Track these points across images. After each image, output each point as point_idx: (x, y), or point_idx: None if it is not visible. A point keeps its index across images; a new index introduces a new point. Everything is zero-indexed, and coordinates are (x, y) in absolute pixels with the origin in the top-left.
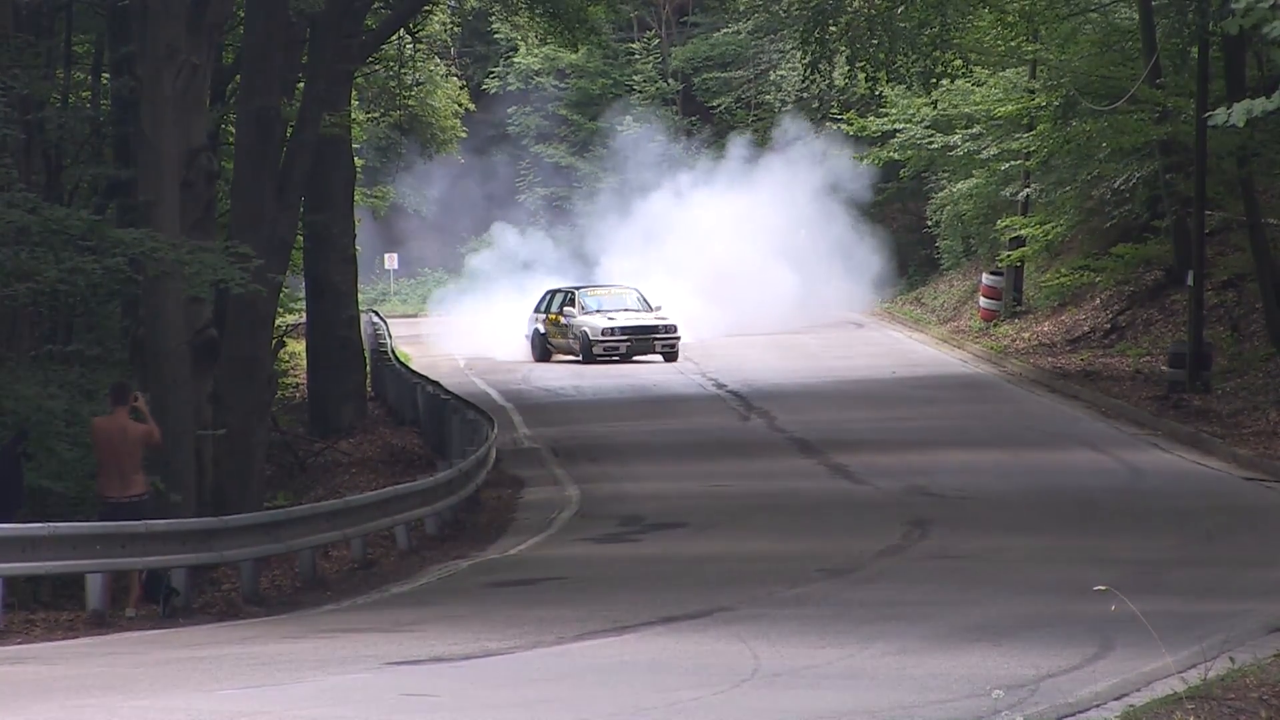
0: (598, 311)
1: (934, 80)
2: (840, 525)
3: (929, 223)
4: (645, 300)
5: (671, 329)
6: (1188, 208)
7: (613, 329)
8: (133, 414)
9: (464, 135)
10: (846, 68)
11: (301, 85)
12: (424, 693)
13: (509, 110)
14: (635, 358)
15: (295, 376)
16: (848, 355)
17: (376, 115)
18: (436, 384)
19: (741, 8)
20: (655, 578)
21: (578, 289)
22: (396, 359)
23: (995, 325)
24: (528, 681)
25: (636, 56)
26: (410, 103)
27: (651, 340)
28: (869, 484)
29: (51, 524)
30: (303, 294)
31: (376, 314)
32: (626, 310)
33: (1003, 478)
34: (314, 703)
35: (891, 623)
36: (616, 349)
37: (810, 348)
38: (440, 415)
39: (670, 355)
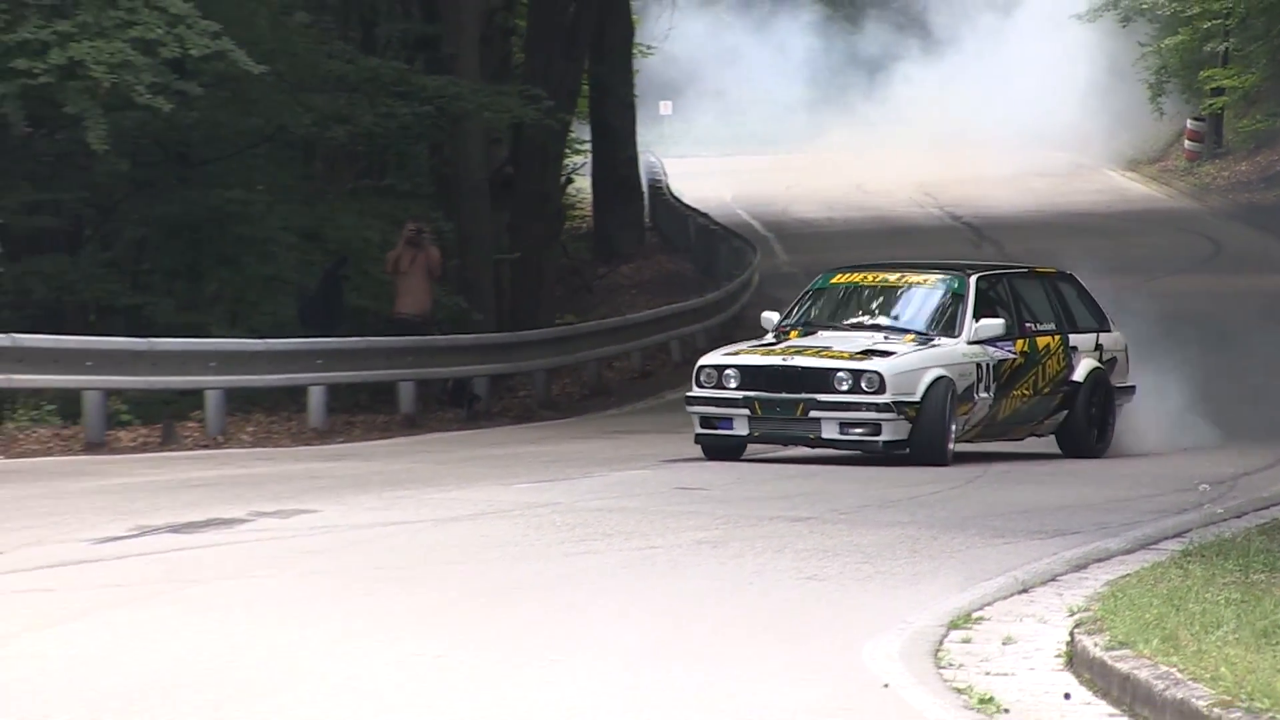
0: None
1: None
2: None
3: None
4: None
5: None
6: None
7: None
8: (413, 243)
9: None
10: None
11: None
12: (696, 486)
13: None
14: None
15: (581, 210)
16: (1069, 192)
17: None
18: (706, 215)
19: None
20: None
21: None
22: (670, 193)
23: (1198, 165)
24: (786, 478)
25: None
26: None
27: None
28: None
29: (370, 338)
30: (588, 137)
31: (653, 154)
32: None
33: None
34: (600, 495)
35: None
36: None
37: (1036, 185)
38: (709, 243)
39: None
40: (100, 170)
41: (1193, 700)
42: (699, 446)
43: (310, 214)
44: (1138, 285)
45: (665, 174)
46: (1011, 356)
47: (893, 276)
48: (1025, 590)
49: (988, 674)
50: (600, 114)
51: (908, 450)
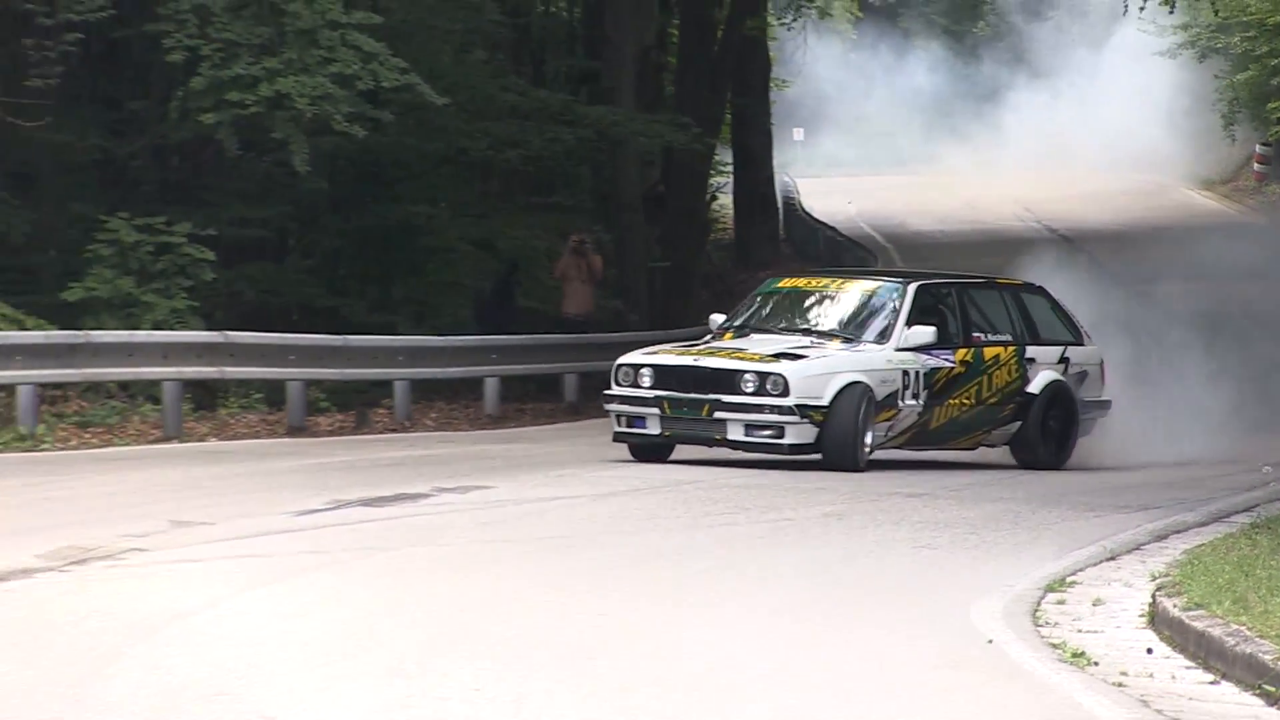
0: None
1: None
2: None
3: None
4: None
5: None
6: None
7: None
8: (576, 251)
9: (854, 37)
10: None
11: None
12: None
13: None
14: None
15: (724, 223)
16: (1150, 207)
17: (786, 21)
18: (833, 228)
19: None
20: None
21: None
22: (802, 209)
23: (1266, 185)
24: (902, 459)
25: None
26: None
27: None
28: (1159, 305)
29: (538, 336)
30: (730, 160)
31: (787, 175)
32: None
33: None
34: (739, 473)
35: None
36: None
37: (1121, 201)
38: (836, 253)
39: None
40: (302, 189)
41: (1260, 655)
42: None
43: (485, 227)
44: (1207, 289)
45: (798, 192)
46: (949, 365)
47: (835, 282)
48: (1113, 558)
49: (1079, 631)
50: (741, 139)
51: (819, 455)
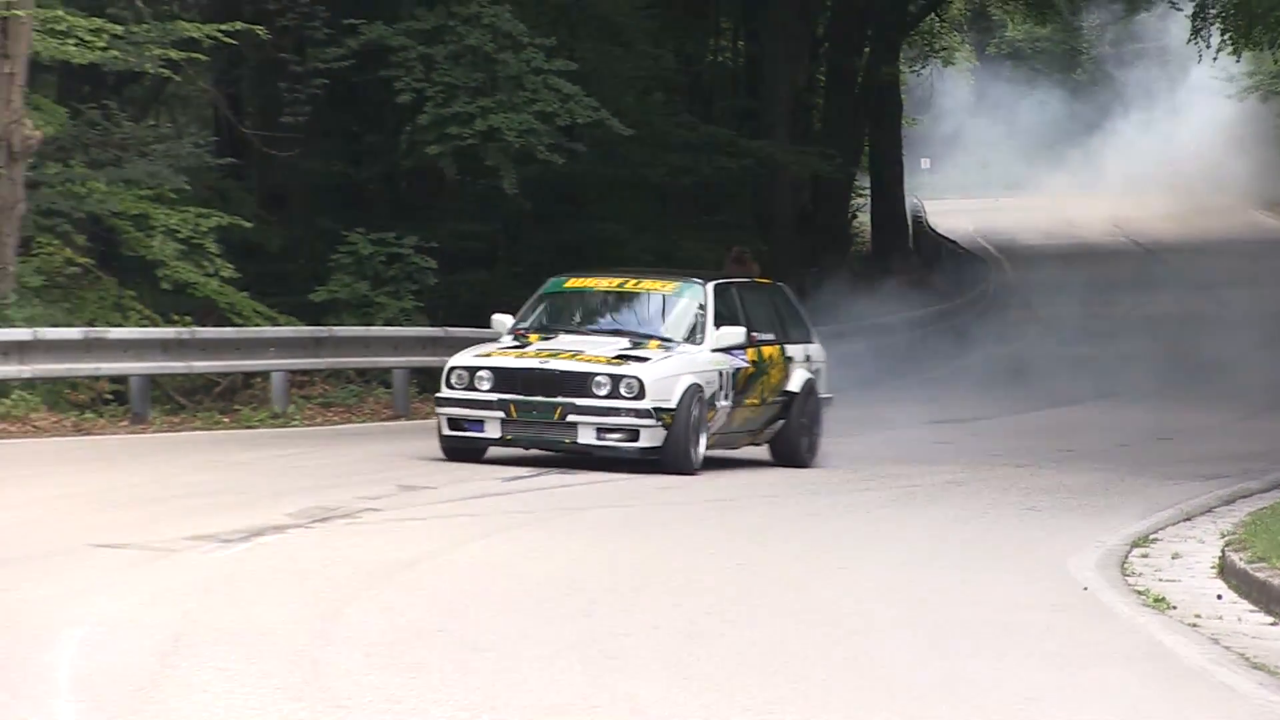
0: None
1: None
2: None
3: None
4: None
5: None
6: None
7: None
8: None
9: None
10: None
11: (867, 50)
12: (945, 441)
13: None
14: None
15: (862, 239)
16: (1221, 224)
17: (916, 70)
18: (954, 242)
19: None
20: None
21: None
22: (929, 226)
23: None
24: (1010, 435)
25: None
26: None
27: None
28: (1229, 307)
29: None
30: (868, 185)
31: (916, 197)
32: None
33: None
34: (875, 448)
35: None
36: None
37: (1196, 220)
38: (956, 262)
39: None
40: (510, 208)
41: None
42: (442, 448)
43: (663, 240)
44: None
45: (925, 211)
46: (746, 365)
47: (629, 282)
48: (1189, 519)
49: (1160, 580)
50: (877, 168)
51: (659, 458)
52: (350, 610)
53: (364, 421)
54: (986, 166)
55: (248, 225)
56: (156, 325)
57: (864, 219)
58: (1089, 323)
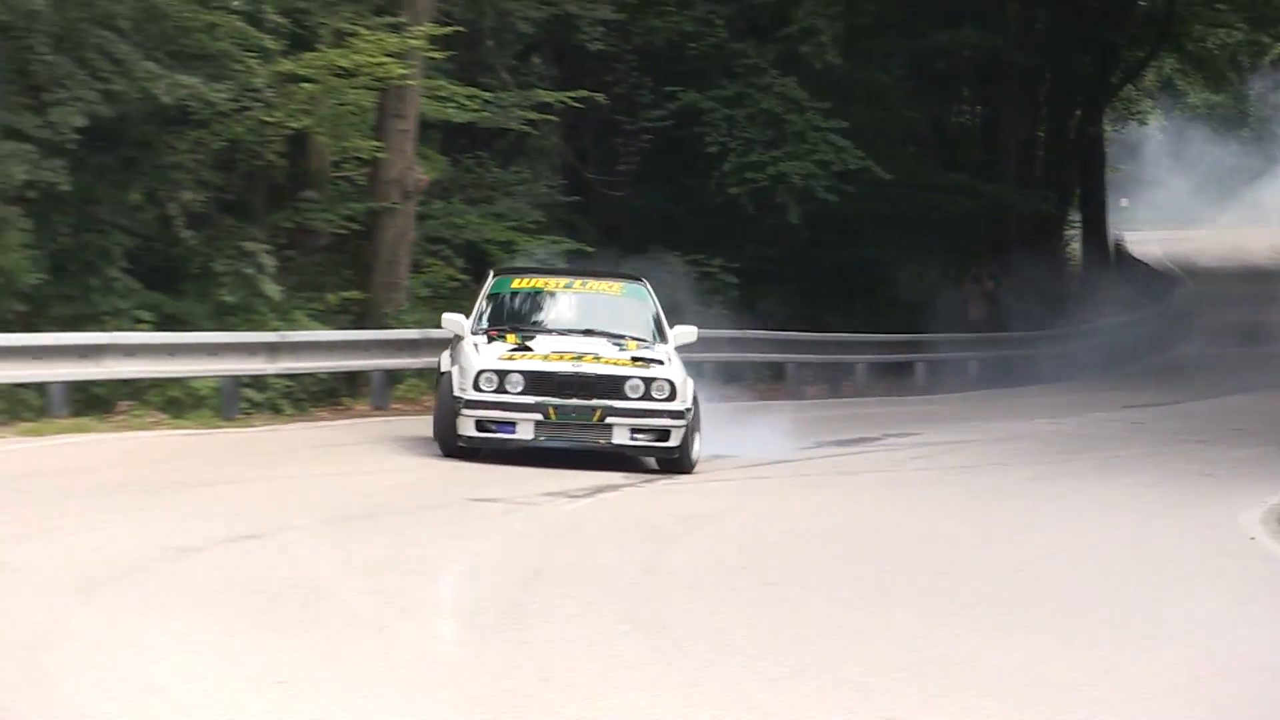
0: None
1: None
2: None
3: None
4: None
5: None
6: None
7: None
8: (975, 280)
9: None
10: None
11: (1078, 113)
12: (1139, 421)
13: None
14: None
15: (1075, 262)
16: None
17: (1117, 129)
18: (1147, 264)
19: None
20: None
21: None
22: (1127, 251)
23: None
24: (1183, 416)
25: None
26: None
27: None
28: None
29: (951, 335)
30: (1078, 219)
31: (1117, 229)
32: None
33: None
34: (1080, 427)
35: None
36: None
37: None
38: (1149, 278)
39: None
40: (795, 236)
41: None
42: (462, 447)
43: (918, 262)
44: None
45: (1124, 240)
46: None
47: (576, 282)
48: None
49: None
50: (1086, 206)
51: (678, 457)
52: (670, 552)
53: None
54: (1172, 205)
55: (590, 250)
56: None
57: (1075, 246)
58: (1256, 328)
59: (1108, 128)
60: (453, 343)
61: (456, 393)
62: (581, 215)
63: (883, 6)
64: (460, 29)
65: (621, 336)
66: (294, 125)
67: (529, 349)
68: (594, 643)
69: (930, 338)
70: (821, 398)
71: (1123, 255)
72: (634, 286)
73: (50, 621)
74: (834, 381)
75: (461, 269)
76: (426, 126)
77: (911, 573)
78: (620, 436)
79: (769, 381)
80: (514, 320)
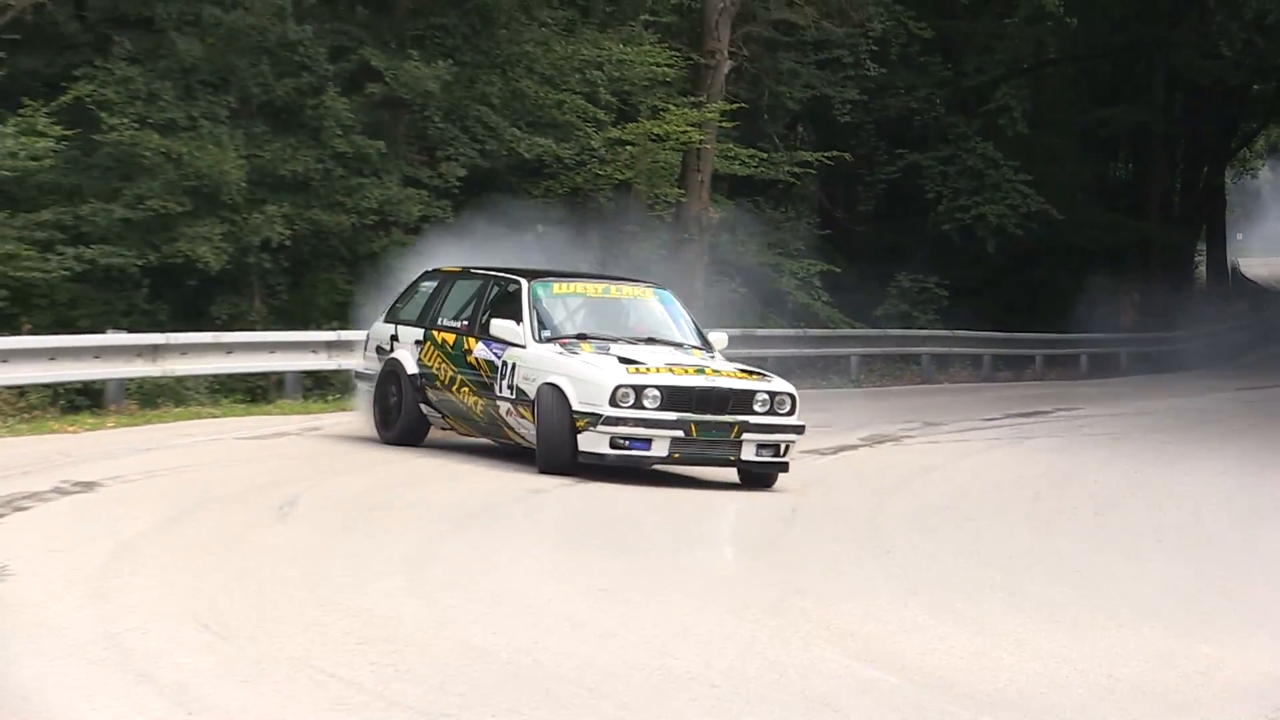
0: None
1: None
2: None
3: None
4: (684, 322)
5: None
6: None
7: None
8: (1125, 293)
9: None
10: None
11: (1204, 168)
12: (1250, 402)
13: None
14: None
15: (1201, 282)
16: None
17: (1236, 180)
18: (1256, 283)
19: None
20: None
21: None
22: (1242, 274)
23: None
24: (1257, 412)
25: None
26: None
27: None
28: None
29: (1090, 335)
30: (1203, 248)
31: (1234, 258)
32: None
33: None
34: (1157, 415)
35: None
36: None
37: None
38: (1260, 295)
39: (767, 472)
40: (991, 261)
41: None
42: (594, 465)
43: (1081, 282)
44: None
45: (1239, 265)
46: None
47: (613, 288)
48: None
49: None
50: (1210, 240)
51: (783, 471)
52: (894, 496)
53: (903, 386)
54: (1277, 238)
55: (838, 271)
56: (782, 329)
57: (1202, 270)
58: None
59: (1228, 180)
60: (502, 350)
61: (579, 407)
62: (832, 245)
63: (1060, 89)
64: (744, 105)
65: (681, 344)
66: (620, 176)
67: (637, 361)
68: (835, 564)
69: (1091, 336)
70: (1009, 381)
71: (1238, 277)
72: (661, 292)
73: (429, 545)
74: (1018, 369)
75: (741, 284)
76: (717, 178)
77: (1075, 511)
78: (748, 452)
79: (969, 369)
80: (582, 330)
